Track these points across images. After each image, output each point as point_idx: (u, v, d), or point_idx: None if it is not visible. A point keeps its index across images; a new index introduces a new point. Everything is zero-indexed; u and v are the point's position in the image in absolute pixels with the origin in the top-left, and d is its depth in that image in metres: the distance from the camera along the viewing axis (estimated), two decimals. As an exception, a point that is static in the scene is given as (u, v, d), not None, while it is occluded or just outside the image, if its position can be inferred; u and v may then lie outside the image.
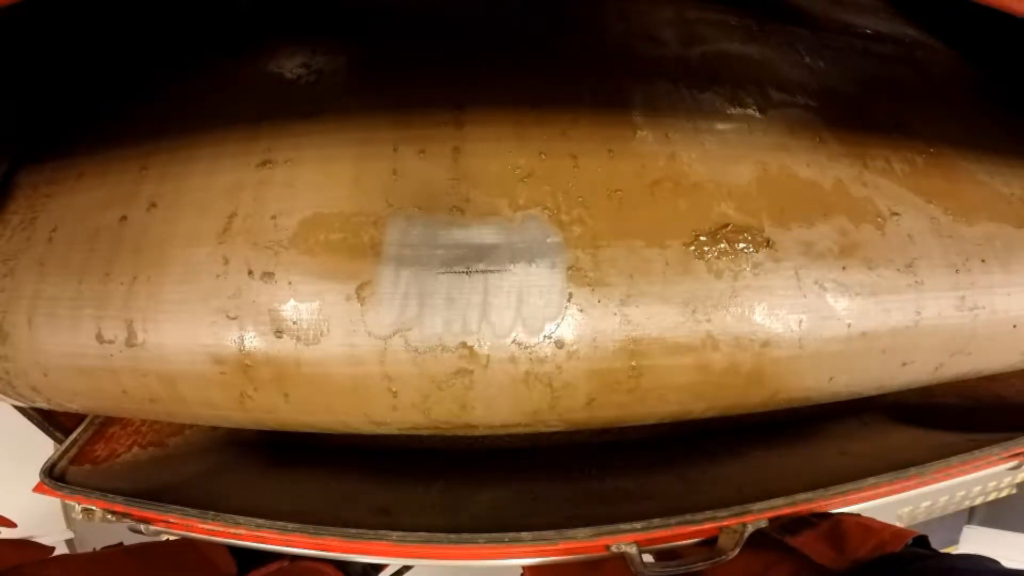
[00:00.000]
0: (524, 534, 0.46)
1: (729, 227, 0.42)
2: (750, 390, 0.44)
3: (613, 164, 0.43)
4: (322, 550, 0.50)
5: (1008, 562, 0.42)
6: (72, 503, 0.54)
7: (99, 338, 0.44)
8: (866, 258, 0.44)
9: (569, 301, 0.40)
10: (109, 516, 0.53)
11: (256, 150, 0.45)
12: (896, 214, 0.46)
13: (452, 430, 0.45)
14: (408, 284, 0.40)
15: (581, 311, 0.40)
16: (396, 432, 0.47)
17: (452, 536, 0.46)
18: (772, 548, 0.47)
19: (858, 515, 0.49)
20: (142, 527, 0.53)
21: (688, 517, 0.46)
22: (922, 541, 0.45)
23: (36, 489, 0.56)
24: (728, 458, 0.59)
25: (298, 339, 0.41)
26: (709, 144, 0.45)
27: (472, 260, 0.40)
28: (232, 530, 0.50)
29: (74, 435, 0.63)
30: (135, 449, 0.63)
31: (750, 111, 0.48)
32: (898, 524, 0.48)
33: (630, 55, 0.50)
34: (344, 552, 0.50)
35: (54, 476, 0.56)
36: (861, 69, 0.54)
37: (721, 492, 0.52)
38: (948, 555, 0.43)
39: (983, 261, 0.47)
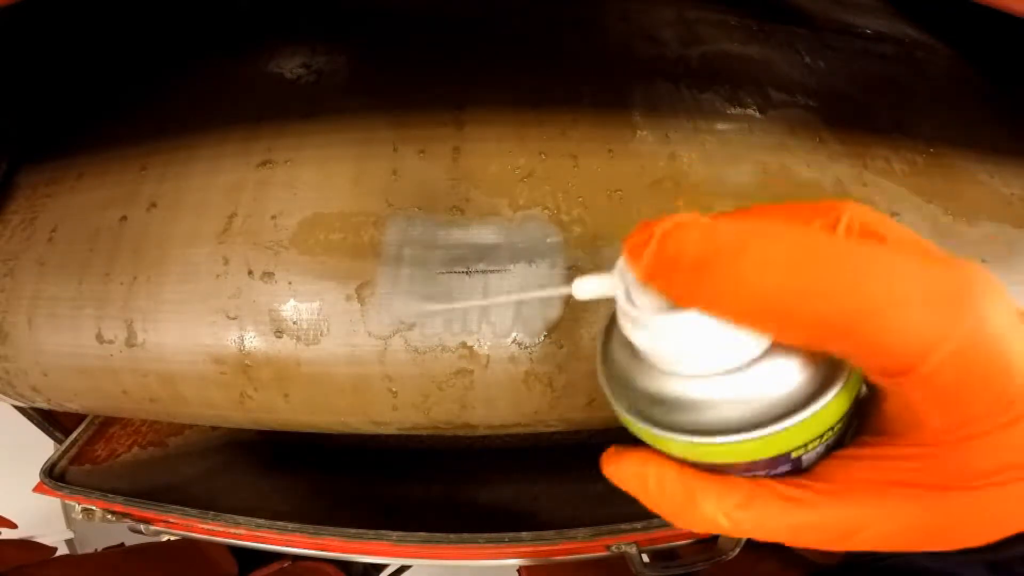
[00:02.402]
0: (524, 534, 0.46)
1: (729, 227, 0.42)
2: (750, 390, 0.44)
3: (613, 164, 0.43)
4: (322, 550, 0.50)
5: (1008, 562, 0.42)
6: (72, 503, 0.54)
7: (99, 338, 0.44)
8: (866, 258, 0.44)
9: (569, 301, 0.40)
10: (109, 516, 0.53)
11: (256, 150, 0.45)
12: (896, 214, 0.46)
13: (452, 430, 0.45)
14: (408, 284, 0.40)
15: (582, 311, 0.40)
16: (396, 432, 0.47)
17: (452, 536, 0.46)
18: (761, 546, 0.48)
19: None
20: (142, 527, 0.53)
21: (688, 517, 0.46)
22: None
23: (36, 489, 0.56)
24: (728, 458, 0.59)
25: (298, 339, 0.41)
26: (709, 144, 0.45)
27: (472, 260, 0.40)
28: (232, 530, 0.50)
29: (74, 435, 0.63)
30: (135, 449, 0.63)
31: (750, 111, 0.48)
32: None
33: (630, 55, 0.50)
34: (344, 552, 0.50)
35: (54, 476, 0.56)
36: (861, 69, 0.54)
37: (721, 492, 0.52)
38: (932, 552, 0.43)
39: (983, 261, 0.47)
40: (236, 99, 0.49)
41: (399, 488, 0.58)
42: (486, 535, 0.46)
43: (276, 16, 0.57)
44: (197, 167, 0.46)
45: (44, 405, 0.54)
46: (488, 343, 0.40)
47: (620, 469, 0.18)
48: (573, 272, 0.40)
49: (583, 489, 0.57)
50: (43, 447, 0.68)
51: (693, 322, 0.14)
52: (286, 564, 0.60)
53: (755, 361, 0.15)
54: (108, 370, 0.45)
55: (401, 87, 0.47)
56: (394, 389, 0.42)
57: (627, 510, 0.50)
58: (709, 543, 0.49)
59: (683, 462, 0.17)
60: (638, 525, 0.46)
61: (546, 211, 0.42)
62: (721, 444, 0.15)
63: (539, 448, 0.65)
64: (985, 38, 0.58)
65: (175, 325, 0.42)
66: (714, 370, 0.15)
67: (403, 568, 0.81)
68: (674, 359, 0.15)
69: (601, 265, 0.41)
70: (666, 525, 0.46)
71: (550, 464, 0.62)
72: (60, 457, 0.59)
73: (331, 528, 0.48)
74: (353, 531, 0.47)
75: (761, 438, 0.15)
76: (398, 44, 0.51)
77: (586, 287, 0.17)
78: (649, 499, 0.18)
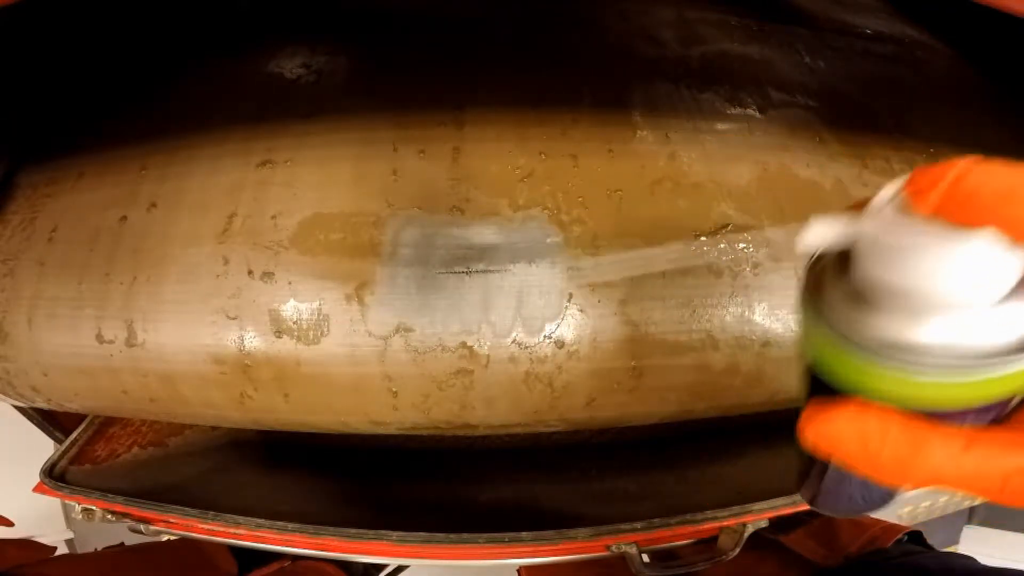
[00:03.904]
0: (524, 534, 0.46)
1: (729, 227, 0.42)
2: (750, 390, 0.44)
3: (613, 164, 0.43)
4: (322, 550, 0.50)
5: (1008, 562, 0.42)
6: (72, 503, 0.54)
7: (99, 338, 0.44)
8: (866, 258, 0.44)
9: (569, 301, 0.40)
10: (109, 516, 0.53)
11: (256, 150, 0.45)
12: (896, 214, 0.46)
13: (452, 430, 0.45)
14: (408, 284, 0.40)
15: (581, 311, 0.40)
16: (396, 432, 0.47)
17: (452, 536, 0.47)
18: (762, 544, 0.48)
19: None
20: (142, 527, 0.53)
21: (688, 517, 0.46)
22: (916, 537, 0.45)
23: (36, 489, 0.56)
24: (728, 458, 0.59)
25: (298, 339, 0.41)
26: (709, 144, 0.45)
27: (472, 260, 0.40)
28: (232, 530, 0.50)
29: (74, 435, 0.63)
30: (135, 449, 0.63)
31: (750, 111, 0.48)
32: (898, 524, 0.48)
33: (630, 55, 0.50)
34: (344, 552, 0.50)
35: (54, 476, 0.56)
36: (861, 69, 0.54)
37: (721, 492, 0.52)
38: (932, 552, 0.43)
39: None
40: (236, 99, 0.49)
41: (399, 488, 0.58)
42: (486, 535, 0.46)
43: (276, 16, 0.57)
44: (197, 167, 0.46)
45: (44, 405, 0.54)
46: (488, 343, 0.40)
47: (834, 424, 0.17)
48: (574, 272, 0.40)
49: (583, 489, 0.57)
50: (43, 447, 0.68)
51: (979, 247, 0.15)
52: (286, 564, 0.60)
53: (1005, 299, 0.16)
54: (108, 370, 0.45)
55: (401, 87, 0.47)
56: (394, 389, 0.42)
57: (627, 510, 0.50)
58: (709, 543, 0.49)
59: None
60: (638, 525, 0.46)
61: (546, 211, 0.42)
62: (982, 378, 0.15)
63: (539, 448, 0.65)
64: (985, 38, 0.58)
65: (175, 325, 0.42)
66: (974, 302, 0.16)
67: (402, 568, 0.81)
68: (936, 291, 0.16)
69: (603, 265, 0.41)
70: (666, 525, 0.46)
71: (550, 464, 0.62)
72: (60, 457, 0.59)
73: (331, 528, 0.48)
74: (353, 531, 0.47)
75: (1009, 375, 0.15)
76: (398, 44, 0.51)
77: (819, 234, 0.17)
78: (869, 452, 0.17)
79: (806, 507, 0.48)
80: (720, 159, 0.45)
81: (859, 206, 0.17)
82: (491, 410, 0.43)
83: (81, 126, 0.54)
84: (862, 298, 0.17)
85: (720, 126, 0.46)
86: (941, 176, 0.15)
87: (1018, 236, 0.15)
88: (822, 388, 0.19)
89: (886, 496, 0.24)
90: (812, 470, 0.25)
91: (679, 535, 0.48)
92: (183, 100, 0.52)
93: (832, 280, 0.18)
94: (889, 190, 0.16)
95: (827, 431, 0.17)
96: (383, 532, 0.47)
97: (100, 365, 0.45)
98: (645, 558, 0.47)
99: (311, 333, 0.41)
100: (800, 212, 0.44)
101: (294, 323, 0.41)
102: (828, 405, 0.17)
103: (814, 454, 0.20)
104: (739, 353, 0.42)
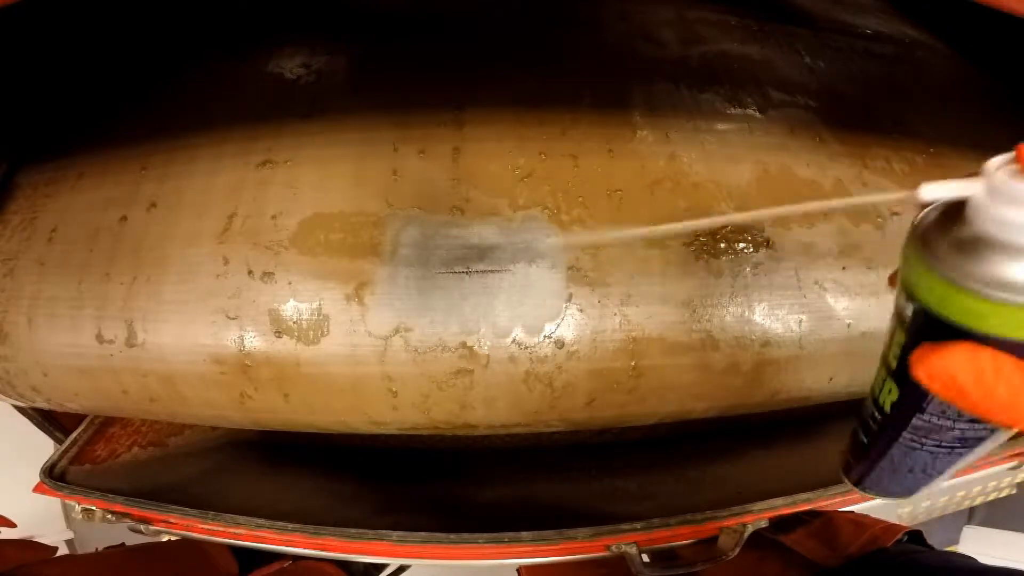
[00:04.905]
0: (524, 534, 0.46)
1: (729, 227, 0.42)
2: (750, 390, 0.44)
3: (613, 164, 0.43)
4: (322, 550, 0.50)
5: (1008, 562, 0.42)
6: (72, 503, 0.55)
7: (99, 338, 0.44)
8: (866, 258, 0.44)
9: (569, 301, 0.40)
10: (109, 516, 0.53)
11: (256, 150, 0.45)
12: (896, 214, 0.46)
13: (452, 430, 0.45)
14: (408, 284, 0.40)
15: (581, 311, 0.40)
16: (396, 432, 0.47)
17: (452, 536, 0.47)
18: (763, 544, 0.48)
19: (851, 512, 0.49)
20: (142, 527, 0.53)
21: (688, 517, 0.46)
22: (916, 536, 0.45)
23: (36, 489, 0.56)
24: (728, 458, 0.59)
25: (298, 339, 0.41)
26: (709, 144, 0.45)
27: (472, 260, 0.40)
28: (232, 530, 0.50)
29: (74, 435, 0.63)
30: (135, 449, 0.63)
31: (750, 111, 0.48)
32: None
33: (630, 55, 0.50)
34: (344, 552, 0.50)
35: (54, 476, 0.56)
36: (861, 69, 0.54)
37: (721, 492, 0.52)
38: (931, 551, 0.43)
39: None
40: (236, 99, 0.50)
41: (399, 488, 0.58)
42: (486, 535, 0.46)
43: (276, 16, 0.57)
44: (197, 167, 0.46)
45: (44, 405, 0.54)
46: (488, 343, 0.40)
47: (951, 360, 0.19)
48: (574, 272, 0.40)
49: (583, 489, 0.57)
50: (43, 447, 0.68)
51: None
52: (286, 564, 0.60)
53: None
54: (108, 370, 0.45)
55: (401, 87, 0.47)
56: (394, 389, 0.42)
57: (627, 510, 0.50)
58: (709, 543, 0.49)
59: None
60: (638, 525, 0.46)
61: (546, 211, 0.42)
62: None
63: (539, 448, 0.65)
64: (985, 38, 0.58)
65: (175, 325, 0.42)
66: None
67: (403, 568, 0.81)
68: None
69: (602, 265, 0.41)
70: (666, 525, 0.46)
71: (550, 464, 0.62)
72: (60, 457, 0.59)
73: (331, 528, 0.48)
74: (353, 531, 0.47)
75: None
76: (398, 44, 0.51)
77: (936, 191, 0.20)
78: (982, 387, 0.18)
79: (806, 507, 0.48)
80: (720, 159, 0.45)
81: (967, 175, 0.19)
82: (491, 410, 0.43)
83: (81, 126, 0.54)
84: (971, 247, 0.19)
85: (720, 126, 0.46)
86: None
87: None
88: (927, 334, 0.21)
89: (952, 460, 0.25)
90: (871, 446, 0.26)
91: (679, 535, 0.48)
92: (183, 100, 0.52)
93: (939, 233, 0.21)
94: (997, 160, 0.19)
95: (943, 367, 0.19)
96: (383, 532, 0.47)
97: (100, 365, 0.45)
98: (645, 558, 0.47)
99: (311, 333, 0.41)
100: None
101: (294, 323, 0.41)
102: (943, 345, 0.19)
103: (914, 395, 0.22)
104: (739, 353, 0.42)
